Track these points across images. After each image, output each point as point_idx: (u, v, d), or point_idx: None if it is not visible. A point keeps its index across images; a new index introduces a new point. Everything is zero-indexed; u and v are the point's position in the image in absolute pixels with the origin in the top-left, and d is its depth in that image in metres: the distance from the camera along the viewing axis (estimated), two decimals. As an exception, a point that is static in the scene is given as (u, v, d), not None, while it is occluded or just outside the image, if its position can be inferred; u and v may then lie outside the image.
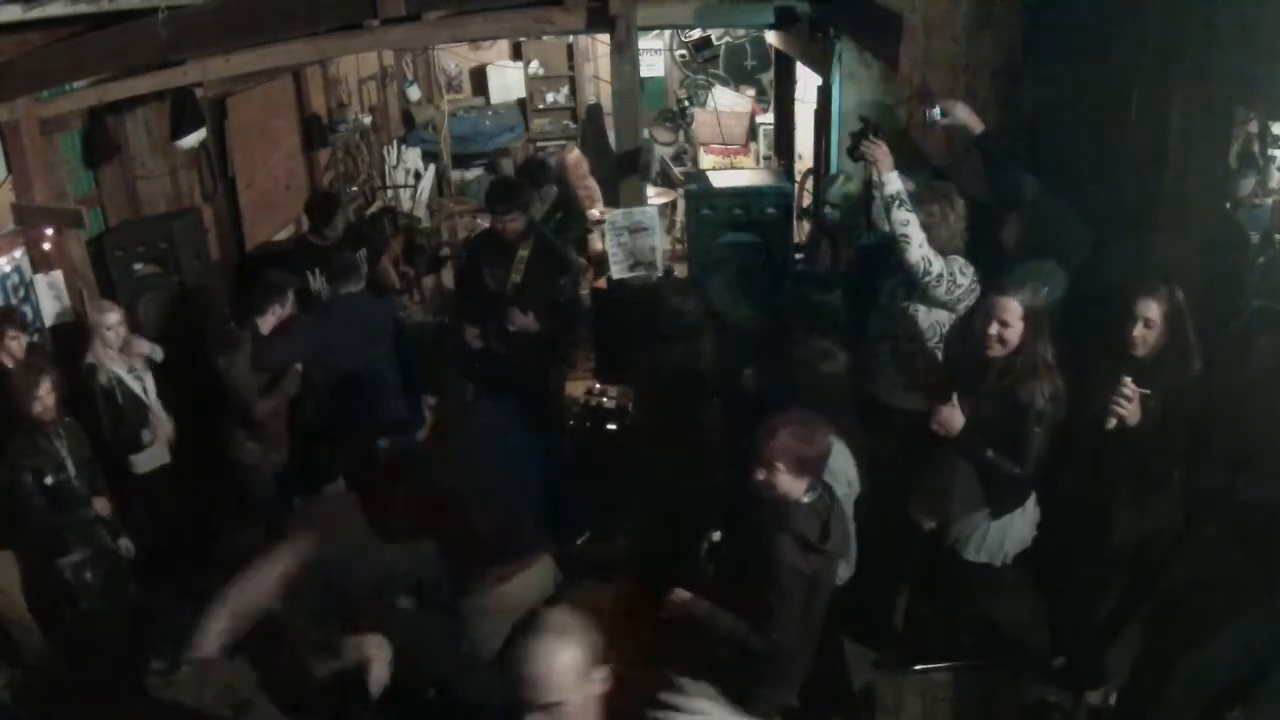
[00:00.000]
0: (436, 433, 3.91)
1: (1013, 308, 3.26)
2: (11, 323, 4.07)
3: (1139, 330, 3.29)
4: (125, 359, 4.35)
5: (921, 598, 4.09)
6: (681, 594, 3.00)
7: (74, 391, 4.31)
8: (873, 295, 4.09)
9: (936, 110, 3.82)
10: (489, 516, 3.36)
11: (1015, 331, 3.26)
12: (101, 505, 4.01)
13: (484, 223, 6.13)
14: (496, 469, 3.54)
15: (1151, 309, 3.27)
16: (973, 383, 3.42)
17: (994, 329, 3.28)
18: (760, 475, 2.84)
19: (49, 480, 3.76)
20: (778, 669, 2.99)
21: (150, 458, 4.43)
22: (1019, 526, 3.54)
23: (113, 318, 4.30)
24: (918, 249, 3.64)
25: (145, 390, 4.41)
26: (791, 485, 2.84)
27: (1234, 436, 3.31)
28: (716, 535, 3.27)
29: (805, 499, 2.87)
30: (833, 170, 5.99)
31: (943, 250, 3.73)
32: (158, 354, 4.54)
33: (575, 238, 6.75)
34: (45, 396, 3.76)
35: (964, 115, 3.82)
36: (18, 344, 4.05)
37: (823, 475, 2.94)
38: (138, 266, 5.13)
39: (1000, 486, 3.41)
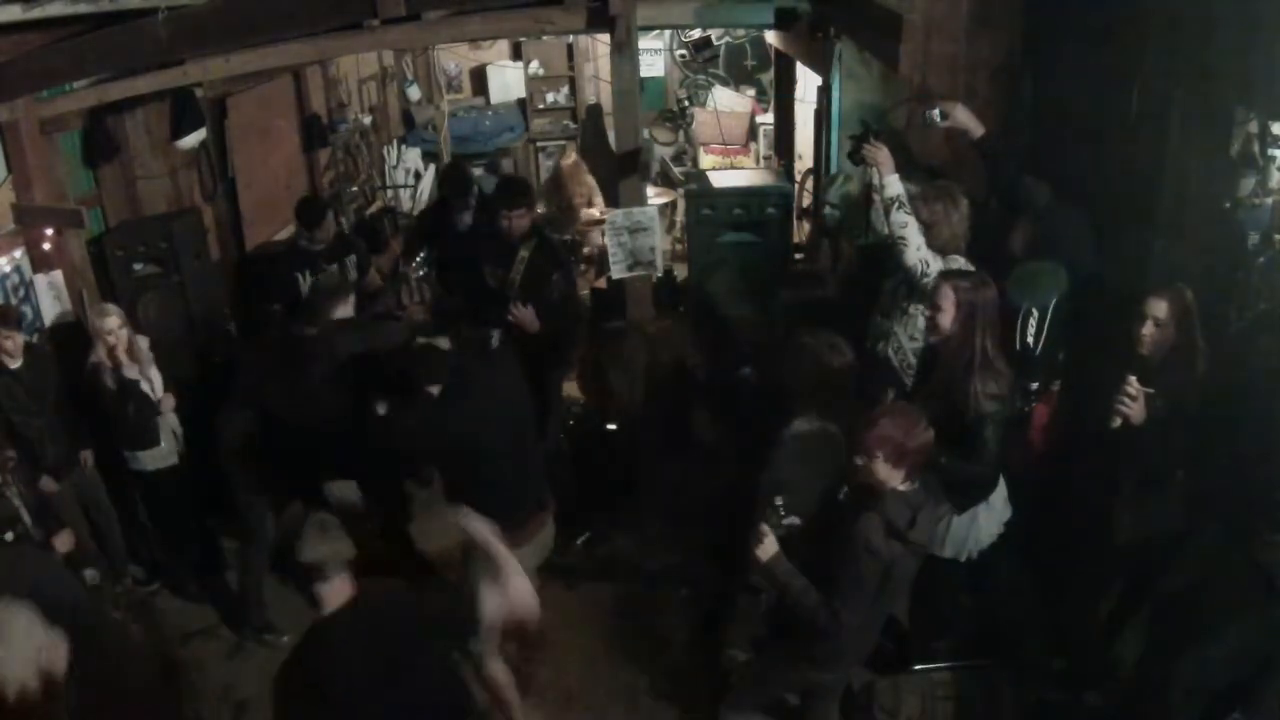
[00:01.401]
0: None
1: (944, 293, 3.30)
2: (7, 322, 4.06)
3: (1148, 330, 3.29)
4: (130, 359, 4.31)
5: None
6: (771, 546, 2.99)
7: (78, 390, 4.30)
8: (873, 295, 4.09)
9: (936, 112, 3.83)
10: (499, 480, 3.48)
11: (947, 317, 3.29)
12: (62, 542, 3.73)
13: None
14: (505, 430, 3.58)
15: (1161, 309, 3.27)
16: (925, 378, 3.48)
17: (928, 312, 3.37)
18: (859, 461, 2.91)
19: (8, 537, 3.54)
20: (837, 645, 3.03)
21: (155, 457, 4.41)
22: (984, 523, 3.55)
23: (112, 322, 4.24)
24: (915, 251, 3.65)
25: (153, 389, 4.39)
26: (889, 475, 2.89)
27: (1235, 437, 3.31)
28: (779, 502, 3.21)
29: (902, 487, 2.92)
30: (833, 170, 5.99)
31: (944, 250, 3.73)
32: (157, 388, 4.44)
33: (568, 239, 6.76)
34: None
35: (964, 118, 3.82)
36: (12, 343, 4.05)
37: (921, 468, 2.96)
38: (138, 266, 5.13)
39: (960, 483, 3.43)
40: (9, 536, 3.55)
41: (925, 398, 3.38)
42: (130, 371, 4.26)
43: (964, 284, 3.31)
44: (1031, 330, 3.76)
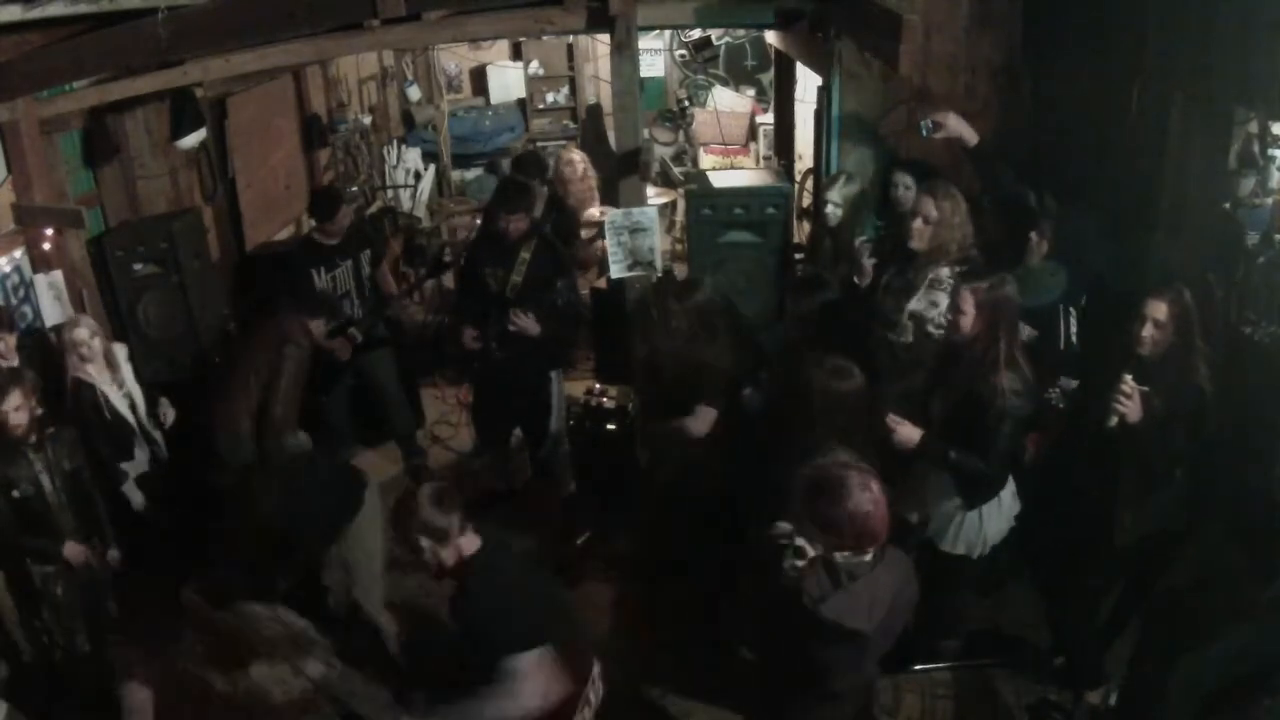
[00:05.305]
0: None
1: (965, 296, 3.32)
2: (1, 324, 4.01)
3: (1147, 330, 3.30)
4: (110, 374, 4.17)
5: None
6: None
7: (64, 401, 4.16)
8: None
9: (929, 123, 3.85)
10: None
11: (968, 320, 3.31)
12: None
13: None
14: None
15: (1161, 310, 3.28)
16: (943, 374, 3.48)
17: (950, 315, 3.40)
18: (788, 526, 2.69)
19: (16, 494, 3.59)
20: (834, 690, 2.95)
21: (135, 468, 4.29)
22: (995, 518, 3.56)
23: (82, 333, 4.07)
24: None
25: (134, 407, 4.26)
26: (809, 539, 2.63)
27: (1235, 436, 3.31)
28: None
29: (839, 557, 2.61)
30: (833, 170, 5.99)
31: (947, 253, 3.76)
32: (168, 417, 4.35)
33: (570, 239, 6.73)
34: (14, 412, 3.58)
35: (956, 126, 3.83)
36: (5, 345, 4.03)
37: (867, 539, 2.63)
38: (138, 266, 5.12)
39: (971, 479, 3.44)
40: (16, 494, 3.60)
41: (943, 395, 3.40)
42: (106, 382, 4.12)
43: (982, 286, 3.32)
44: (1074, 329, 3.77)
